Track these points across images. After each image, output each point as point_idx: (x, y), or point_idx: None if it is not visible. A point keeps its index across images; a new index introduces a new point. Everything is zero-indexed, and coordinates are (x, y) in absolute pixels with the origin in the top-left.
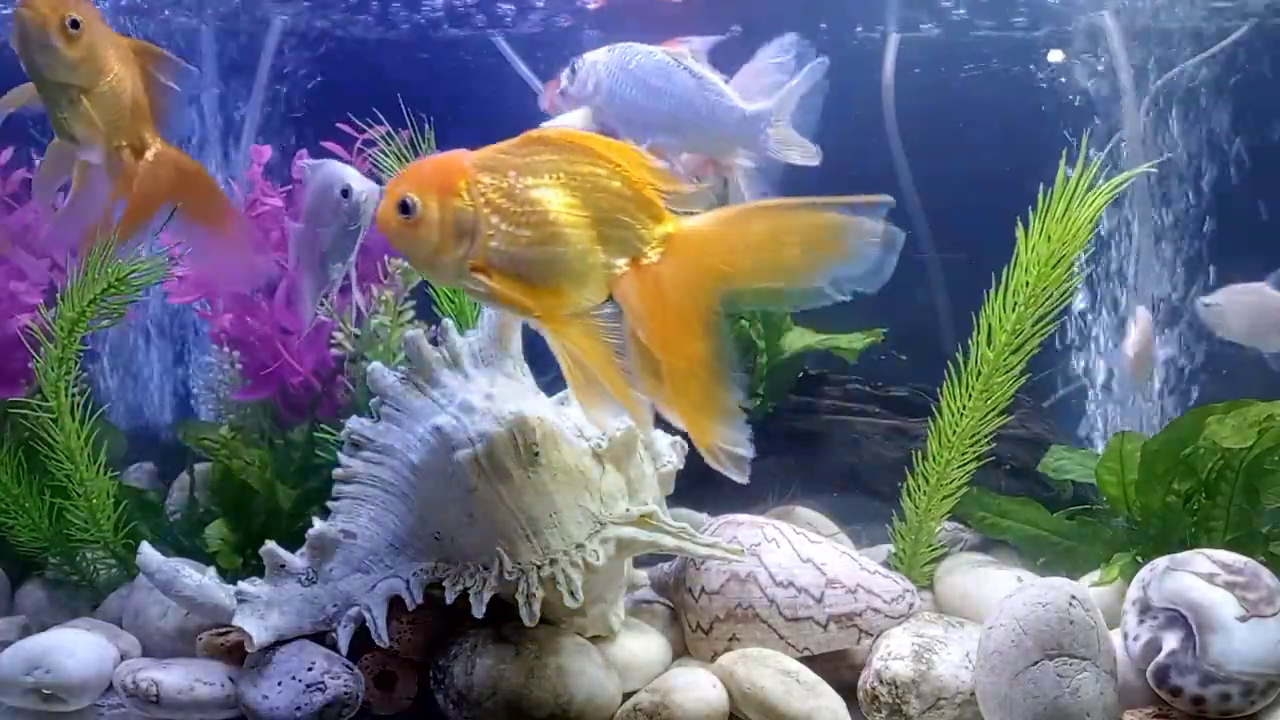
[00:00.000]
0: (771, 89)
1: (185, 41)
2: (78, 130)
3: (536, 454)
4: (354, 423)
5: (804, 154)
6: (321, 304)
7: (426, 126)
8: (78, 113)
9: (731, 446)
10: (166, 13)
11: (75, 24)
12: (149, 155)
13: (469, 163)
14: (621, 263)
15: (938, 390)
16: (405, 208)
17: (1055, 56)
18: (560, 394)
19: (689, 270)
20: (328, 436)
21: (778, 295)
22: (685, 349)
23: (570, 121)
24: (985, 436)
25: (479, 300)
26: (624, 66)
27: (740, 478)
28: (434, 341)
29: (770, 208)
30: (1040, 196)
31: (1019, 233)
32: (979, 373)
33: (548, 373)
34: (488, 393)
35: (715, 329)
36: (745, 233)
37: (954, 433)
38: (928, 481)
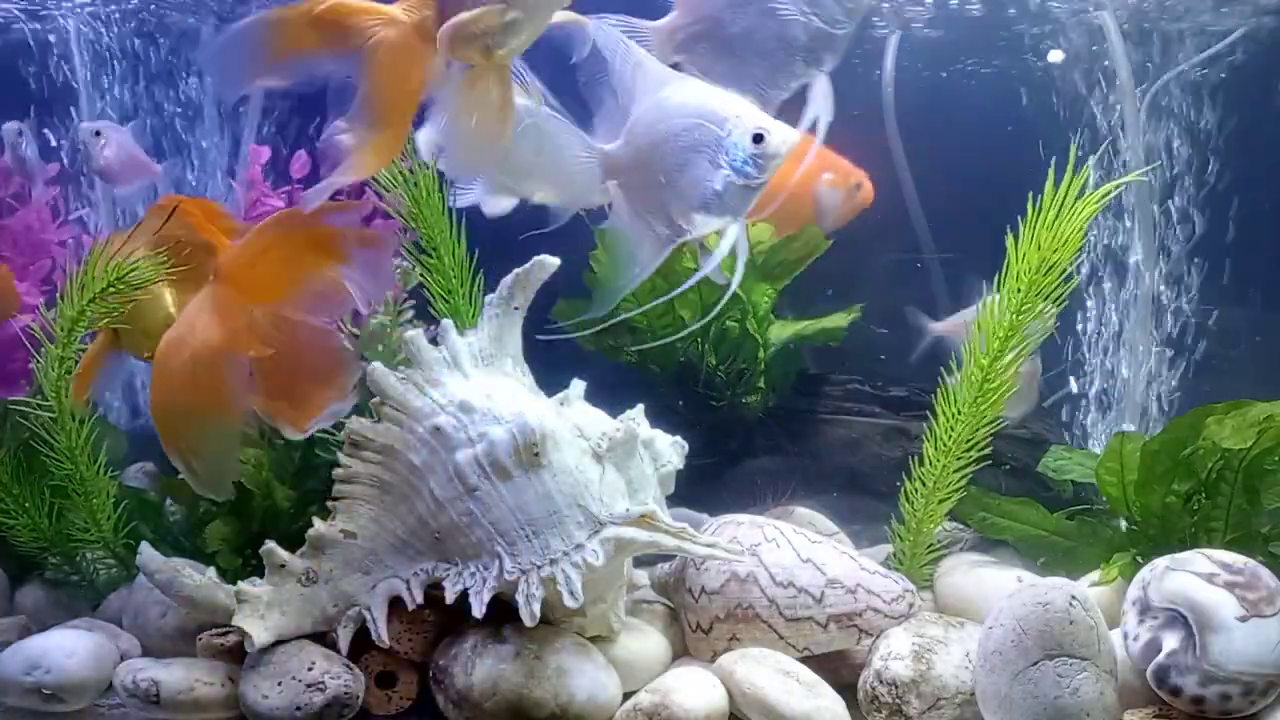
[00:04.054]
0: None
1: (186, 41)
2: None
3: (536, 454)
4: (354, 423)
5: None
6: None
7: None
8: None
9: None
10: (169, 13)
11: None
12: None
13: None
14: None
15: (936, 389)
16: None
17: (1055, 56)
18: (560, 394)
19: (229, 287)
20: (328, 436)
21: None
22: (248, 350)
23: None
24: (980, 442)
25: None
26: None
27: None
28: (434, 341)
29: (273, 220)
30: (1030, 204)
31: (1009, 241)
32: (972, 377)
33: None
34: (488, 393)
35: (275, 334)
36: (259, 245)
37: (950, 438)
38: (924, 485)
